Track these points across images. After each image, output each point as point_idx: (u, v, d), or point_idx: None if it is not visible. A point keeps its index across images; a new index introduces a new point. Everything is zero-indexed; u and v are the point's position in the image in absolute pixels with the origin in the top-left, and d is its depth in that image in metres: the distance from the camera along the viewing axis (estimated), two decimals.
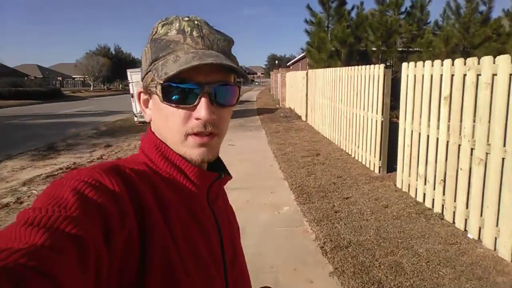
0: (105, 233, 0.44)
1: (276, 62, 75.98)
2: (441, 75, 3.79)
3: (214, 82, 0.58)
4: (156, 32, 0.61)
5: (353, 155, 6.42)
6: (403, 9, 12.75)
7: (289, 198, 4.44)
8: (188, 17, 0.61)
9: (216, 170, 0.67)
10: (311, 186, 4.78)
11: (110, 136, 10.21)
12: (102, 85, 50.08)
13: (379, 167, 5.35)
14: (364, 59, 11.93)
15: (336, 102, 7.52)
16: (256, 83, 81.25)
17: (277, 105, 17.97)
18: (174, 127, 0.59)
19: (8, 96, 25.39)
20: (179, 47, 0.58)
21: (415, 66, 4.30)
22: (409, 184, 4.43)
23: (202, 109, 0.57)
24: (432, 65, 3.94)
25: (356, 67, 6.32)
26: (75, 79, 64.11)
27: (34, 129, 11.80)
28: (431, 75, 3.97)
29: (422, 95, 4.16)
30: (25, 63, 68.66)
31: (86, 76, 48.44)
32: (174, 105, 0.58)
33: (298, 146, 7.53)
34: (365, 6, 13.07)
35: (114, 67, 46.12)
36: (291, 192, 4.64)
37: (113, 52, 52.06)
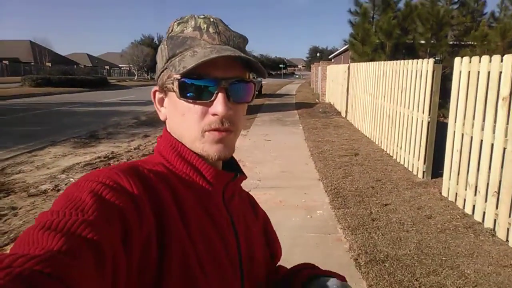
0: (123, 235, 0.44)
1: (318, 54, 74.58)
2: (500, 72, 3.38)
3: (231, 78, 0.58)
4: (172, 30, 0.62)
5: (394, 157, 6.03)
6: None
7: (323, 201, 4.20)
8: (204, 15, 0.62)
9: (231, 170, 0.67)
10: (347, 189, 4.51)
11: (149, 126, 10.37)
12: (146, 75, 51.61)
13: (423, 171, 4.96)
14: (411, 53, 11.27)
15: (379, 98, 7.11)
16: (297, 76, 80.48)
17: (317, 100, 17.54)
18: (191, 123, 0.59)
19: (59, 83, 26.69)
20: (196, 43, 0.59)
21: (470, 62, 3.88)
22: (456, 193, 4.03)
23: (219, 104, 0.57)
24: (490, 61, 3.53)
25: (402, 61, 5.89)
26: (121, 68, 66.72)
27: (79, 117, 12.25)
28: (488, 72, 3.56)
29: (476, 94, 3.75)
30: (76, 51, 72.37)
31: (131, 66, 50.11)
32: (191, 101, 0.58)
33: (336, 144, 7.22)
34: None
35: None
36: (326, 194, 4.39)
37: (157, 42, 53.38)
